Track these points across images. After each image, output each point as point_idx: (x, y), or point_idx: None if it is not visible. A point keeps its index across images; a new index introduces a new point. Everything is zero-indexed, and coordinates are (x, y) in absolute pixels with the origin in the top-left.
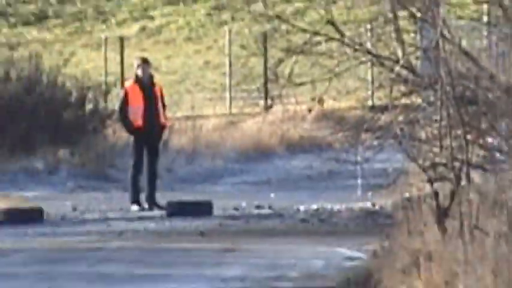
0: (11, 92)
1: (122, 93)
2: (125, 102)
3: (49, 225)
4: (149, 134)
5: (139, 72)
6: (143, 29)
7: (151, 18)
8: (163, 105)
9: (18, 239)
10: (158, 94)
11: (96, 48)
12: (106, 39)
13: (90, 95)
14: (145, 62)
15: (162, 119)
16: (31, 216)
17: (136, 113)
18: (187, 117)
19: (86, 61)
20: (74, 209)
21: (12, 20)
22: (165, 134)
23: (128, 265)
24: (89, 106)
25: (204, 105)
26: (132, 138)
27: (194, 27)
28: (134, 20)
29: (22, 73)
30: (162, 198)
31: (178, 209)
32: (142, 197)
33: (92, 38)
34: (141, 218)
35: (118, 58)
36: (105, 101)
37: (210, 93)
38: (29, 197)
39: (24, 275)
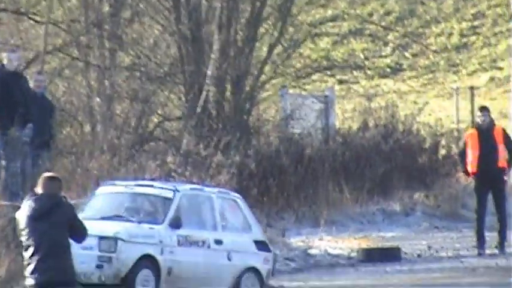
0: (369, 139)
1: (464, 139)
2: (465, 147)
3: (406, 263)
4: (487, 179)
5: (479, 119)
6: (492, 79)
7: (500, 69)
8: (509, 149)
9: (378, 277)
10: (498, 139)
11: (448, 98)
12: (457, 89)
13: (443, 141)
14: (484, 109)
15: (500, 163)
16: (389, 255)
17: (473, 160)
18: None
19: (438, 109)
20: (429, 248)
21: (370, 72)
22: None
23: None
24: (442, 151)
25: None
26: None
27: None
28: (484, 71)
29: (379, 121)
30: None
31: None
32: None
33: (444, 88)
34: (492, 255)
35: (469, 107)
36: (458, 147)
37: None
38: (386, 237)
39: None
